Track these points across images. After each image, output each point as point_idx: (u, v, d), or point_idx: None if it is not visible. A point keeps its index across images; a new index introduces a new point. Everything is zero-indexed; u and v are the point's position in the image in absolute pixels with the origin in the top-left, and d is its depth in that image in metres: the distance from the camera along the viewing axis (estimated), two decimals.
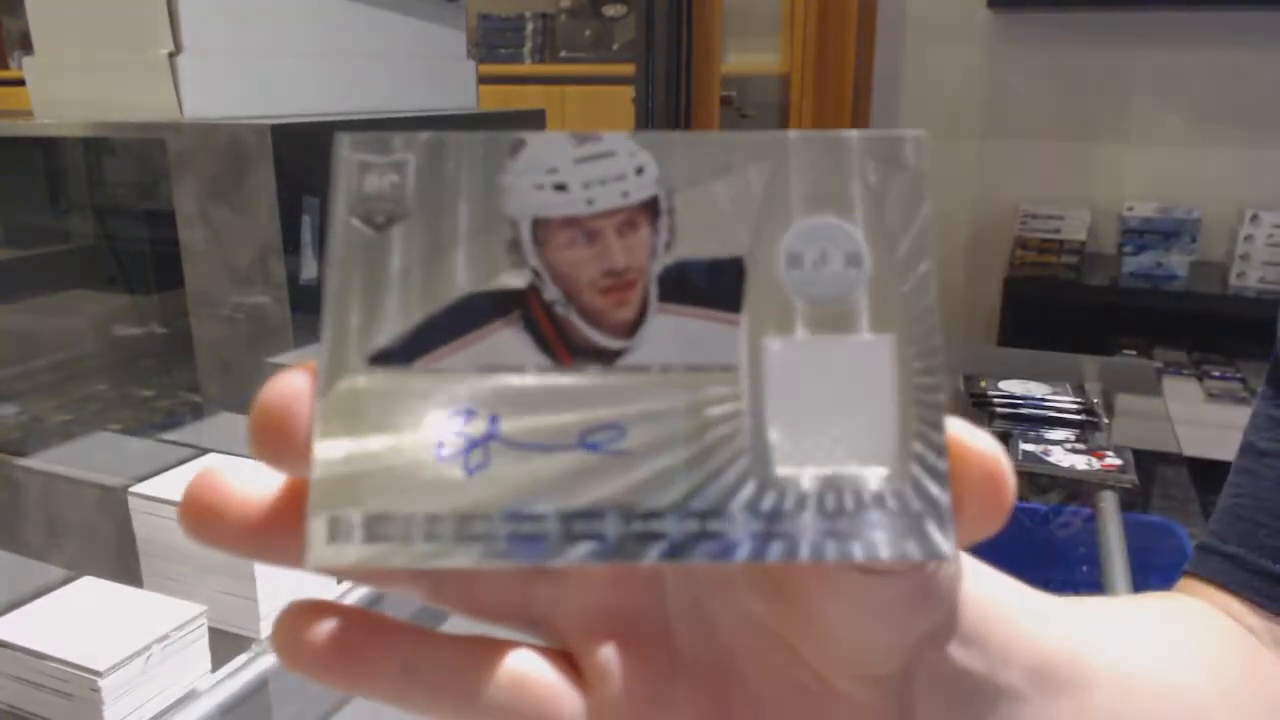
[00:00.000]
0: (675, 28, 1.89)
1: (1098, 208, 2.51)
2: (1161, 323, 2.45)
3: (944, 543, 0.16)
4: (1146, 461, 1.02)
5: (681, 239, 0.17)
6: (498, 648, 0.19)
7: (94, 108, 0.95)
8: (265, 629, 0.65)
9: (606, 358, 0.17)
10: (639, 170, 0.17)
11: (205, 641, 0.59)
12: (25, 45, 3.17)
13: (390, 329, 0.17)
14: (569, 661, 0.20)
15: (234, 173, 0.84)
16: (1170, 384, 2.27)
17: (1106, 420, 1.14)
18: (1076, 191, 2.56)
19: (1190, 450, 1.09)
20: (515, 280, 0.17)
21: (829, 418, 0.17)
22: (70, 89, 0.96)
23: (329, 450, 0.16)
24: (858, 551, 0.16)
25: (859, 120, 2.58)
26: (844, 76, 2.47)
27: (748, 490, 0.17)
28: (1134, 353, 2.40)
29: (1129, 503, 0.92)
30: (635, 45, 1.89)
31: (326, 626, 0.18)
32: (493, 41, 3.04)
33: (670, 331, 0.17)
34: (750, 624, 0.21)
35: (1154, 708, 0.29)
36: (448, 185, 0.17)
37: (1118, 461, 1.00)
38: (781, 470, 0.17)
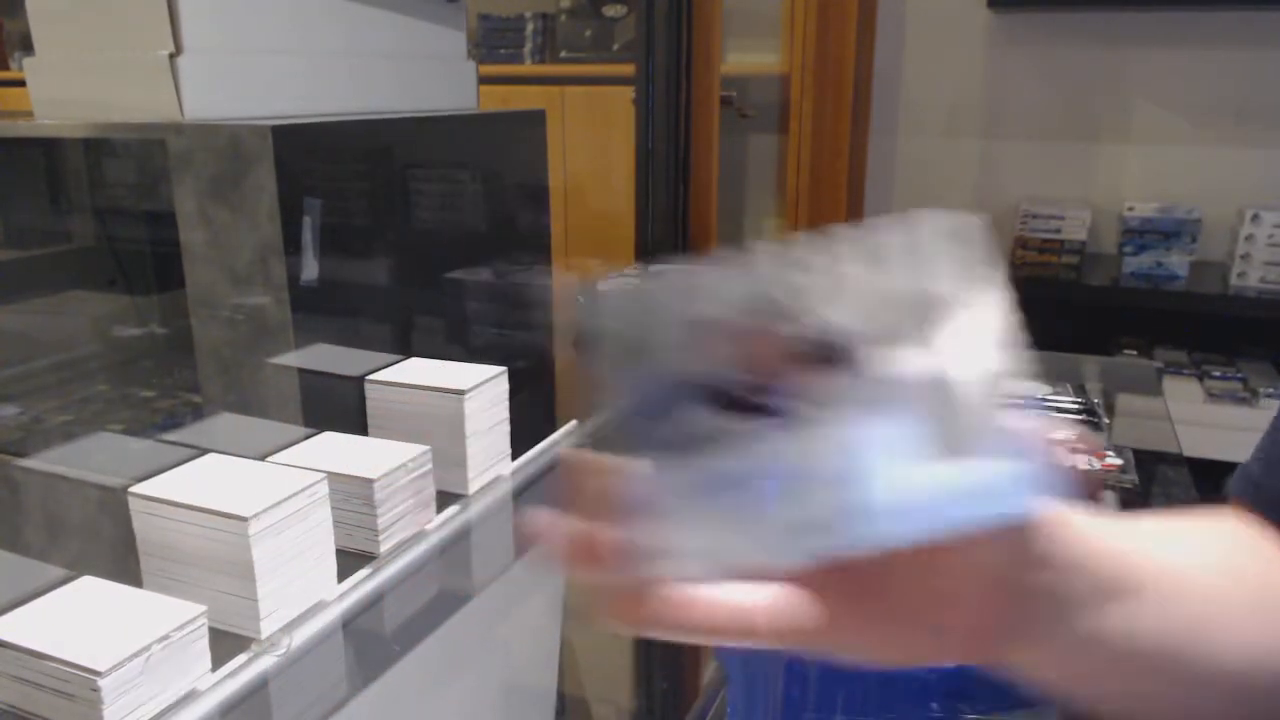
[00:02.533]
0: (675, 28, 1.89)
1: (1098, 208, 2.51)
2: (1162, 323, 2.45)
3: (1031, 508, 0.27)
4: (1146, 461, 1.02)
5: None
6: None
7: (94, 108, 0.95)
8: (265, 629, 0.65)
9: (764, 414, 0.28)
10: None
11: (205, 641, 0.59)
12: (25, 45, 3.17)
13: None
14: None
15: (234, 173, 0.84)
16: (1170, 384, 2.27)
17: (1107, 420, 1.14)
18: (1076, 191, 2.55)
19: (1190, 450, 1.09)
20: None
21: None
22: (70, 89, 0.96)
23: None
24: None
25: (858, 120, 2.58)
26: (844, 76, 2.47)
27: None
28: (1134, 353, 2.40)
29: (1129, 503, 0.92)
30: (635, 45, 1.89)
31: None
32: (493, 41, 3.04)
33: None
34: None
35: (1194, 611, 0.35)
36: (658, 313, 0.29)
37: (1118, 461, 1.00)
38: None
